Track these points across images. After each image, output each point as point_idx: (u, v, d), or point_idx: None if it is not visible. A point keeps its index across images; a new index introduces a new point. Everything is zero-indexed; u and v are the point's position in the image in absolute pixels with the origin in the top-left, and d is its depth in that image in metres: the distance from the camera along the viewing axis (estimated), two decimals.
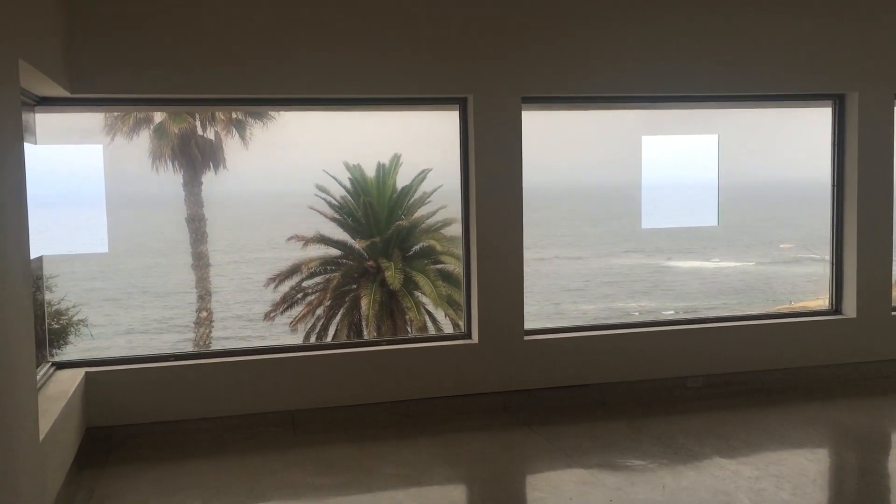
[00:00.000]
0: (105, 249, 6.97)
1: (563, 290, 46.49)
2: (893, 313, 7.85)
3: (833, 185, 7.89)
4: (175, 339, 33.62)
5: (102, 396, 6.40)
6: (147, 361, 6.66)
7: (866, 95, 7.62)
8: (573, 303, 44.97)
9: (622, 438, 6.38)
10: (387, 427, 6.72)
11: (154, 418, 6.49)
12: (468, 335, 7.16)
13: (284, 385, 6.70)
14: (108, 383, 6.43)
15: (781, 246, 49.58)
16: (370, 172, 24.03)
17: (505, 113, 6.91)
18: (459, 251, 7.82)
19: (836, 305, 7.92)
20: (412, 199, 24.29)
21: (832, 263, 7.96)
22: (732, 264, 51.26)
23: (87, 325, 22.37)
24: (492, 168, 6.93)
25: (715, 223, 7.67)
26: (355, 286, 23.28)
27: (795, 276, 50.14)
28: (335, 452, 6.20)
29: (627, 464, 5.87)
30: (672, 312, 42.74)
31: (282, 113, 24.29)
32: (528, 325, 7.17)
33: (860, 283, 7.73)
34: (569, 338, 7.27)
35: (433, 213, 24.28)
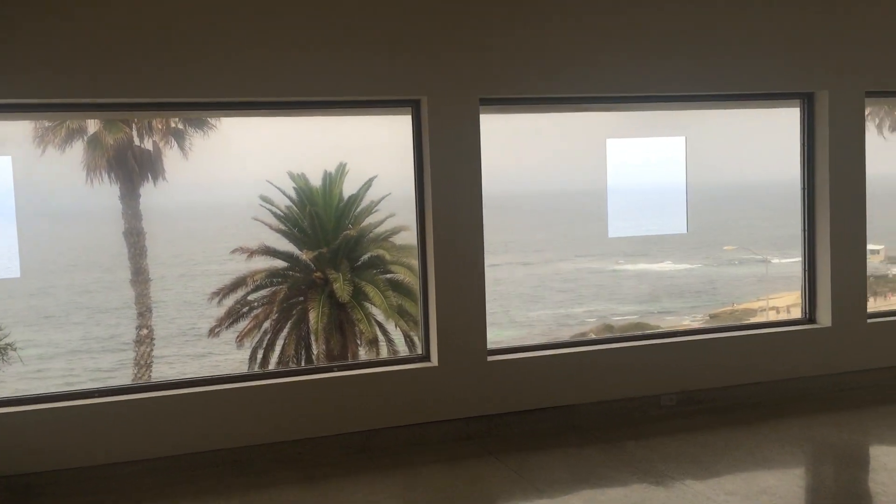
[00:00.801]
0: (16, 268, 6.21)
1: (515, 296, 46.17)
2: (869, 321, 7.49)
3: (803, 188, 7.50)
4: (115, 360, 32.29)
5: (16, 440, 5.65)
6: (67, 399, 5.89)
7: (837, 94, 7.25)
8: (526, 309, 44.70)
9: (598, 467, 5.84)
10: (340, 463, 6.07)
11: (79, 462, 5.75)
12: (427, 357, 6.57)
13: (225, 420, 6.01)
14: (21, 425, 5.67)
15: (725, 248, 49.99)
16: (316, 181, 23.32)
17: (462, 116, 6.35)
18: (410, 260, 7.26)
19: (810, 314, 7.52)
20: (359, 208, 23.61)
21: (804, 270, 7.57)
22: (680, 266, 51.60)
23: (15, 349, 21.15)
24: (449, 175, 6.36)
25: (684, 230, 7.22)
26: (303, 298, 22.52)
27: (738, 277, 50.68)
28: (283, 495, 5.54)
29: (606, 496, 5.34)
30: (620, 318, 42.74)
31: (222, 121, 23.41)
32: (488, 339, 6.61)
33: (835, 291, 7.34)
34: (536, 357, 6.72)
35: (382, 222, 23.66)
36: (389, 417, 6.30)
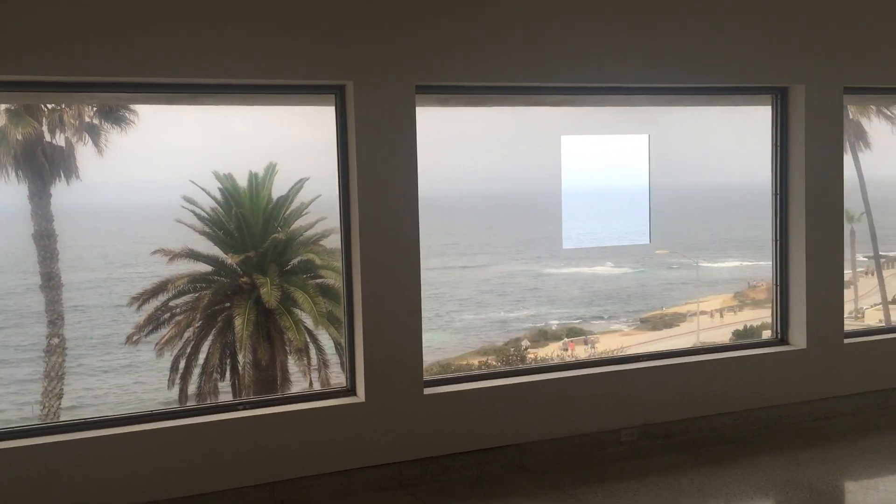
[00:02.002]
0: None
1: (453, 300, 45.30)
2: (847, 341, 6.70)
3: (774, 192, 6.67)
4: (23, 372, 30.13)
5: None
6: None
7: (813, 89, 6.43)
8: (456, 311, 43.84)
9: None
10: None
11: None
12: (352, 391, 5.49)
13: (109, 474, 4.83)
14: None
15: (657, 252, 50.04)
16: (243, 182, 22.01)
17: (394, 104, 5.28)
18: (338, 264, 6.20)
19: (782, 334, 6.68)
20: (289, 211, 22.41)
21: (775, 284, 6.74)
22: (614, 270, 51.48)
23: None
24: (378, 172, 5.29)
25: (646, 239, 6.30)
26: (229, 304, 21.15)
27: (669, 281, 50.80)
28: None
29: None
30: (556, 322, 42.24)
31: (142, 117, 21.85)
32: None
33: (810, 307, 6.51)
34: (479, 389, 5.68)
35: (313, 225, 22.53)
36: (308, 465, 5.20)
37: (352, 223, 5.37)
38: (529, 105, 6.43)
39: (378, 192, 5.31)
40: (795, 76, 6.43)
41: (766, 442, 6.15)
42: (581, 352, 37.96)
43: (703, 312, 41.53)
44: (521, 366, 14.12)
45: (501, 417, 5.65)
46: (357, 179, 5.26)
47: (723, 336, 37.22)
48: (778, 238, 6.66)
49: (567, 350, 38.34)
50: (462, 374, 5.91)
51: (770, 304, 6.76)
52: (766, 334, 7.17)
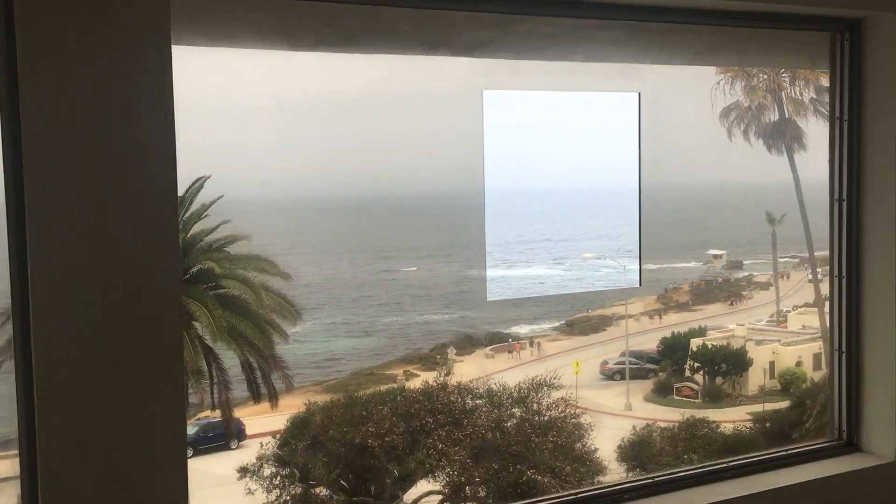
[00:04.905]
0: None
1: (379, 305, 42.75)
2: None
3: (837, 197, 3.85)
4: None
5: None
6: None
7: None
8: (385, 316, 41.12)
9: None
10: None
11: None
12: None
13: None
14: None
15: (583, 255, 48.03)
16: None
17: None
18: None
19: (849, 435, 3.85)
20: (188, 213, 19.13)
21: (837, 348, 3.90)
22: (544, 272, 49.46)
23: None
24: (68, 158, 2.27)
25: (636, 282, 3.41)
26: None
27: (595, 284, 48.90)
28: None
29: None
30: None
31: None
32: None
33: None
34: None
35: (214, 229, 19.33)
36: None
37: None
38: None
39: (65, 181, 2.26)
40: (877, 1, 3.61)
41: None
42: (527, 355, 36.11)
43: (631, 316, 39.53)
44: None
45: None
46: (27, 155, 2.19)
47: (650, 342, 35.17)
48: (842, 272, 3.82)
49: (512, 352, 36.26)
50: None
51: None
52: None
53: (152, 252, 2.33)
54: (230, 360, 19.32)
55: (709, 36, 3.80)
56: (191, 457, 27.22)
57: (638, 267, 49.88)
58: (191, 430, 27.80)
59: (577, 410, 16.32)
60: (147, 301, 2.33)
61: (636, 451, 19.88)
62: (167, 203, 2.38)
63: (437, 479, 15.54)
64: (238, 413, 25.21)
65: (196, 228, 19.83)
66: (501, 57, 3.60)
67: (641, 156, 3.22)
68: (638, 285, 46.13)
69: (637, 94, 3.20)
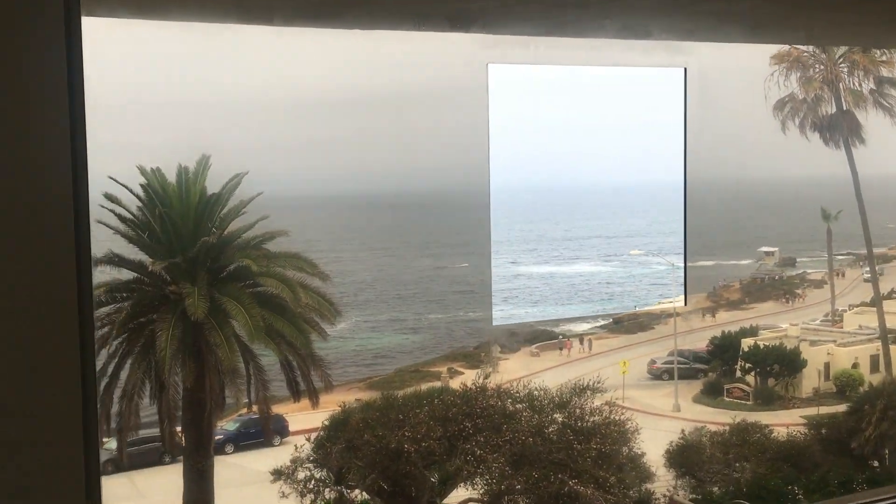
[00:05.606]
0: None
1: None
2: None
3: None
4: None
5: None
6: None
7: None
8: (427, 313, 40.54)
9: None
10: None
11: None
12: None
13: None
14: None
15: (631, 252, 46.99)
16: (172, 177, 18.25)
17: None
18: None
19: None
20: (225, 210, 18.57)
21: None
22: (594, 269, 48.59)
23: None
24: None
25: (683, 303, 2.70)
26: (154, 317, 17.35)
27: (643, 280, 47.85)
28: None
29: None
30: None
31: None
32: None
33: None
34: None
35: (252, 226, 18.77)
36: None
37: None
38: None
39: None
40: None
41: None
42: (576, 352, 35.41)
43: (678, 314, 38.40)
44: None
45: None
46: None
47: (701, 341, 34.01)
48: None
49: (563, 349, 35.65)
50: None
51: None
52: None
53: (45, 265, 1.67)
54: (268, 358, 18.86)
55: (771, 4, 3.03)
56: (231, 453, 26.96)
57: (683, 264, 48.52)
58: (231, 426, 27.57)
59: (622, 417, 15.45)
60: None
61: (685, 456, 18.96)
62: (60, 212, 1.71)
63: (475, 486, 14.89)
64: (281, 410, 24.87)
65: (233, 226, 19.25)
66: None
67: (687, 145, 2.48)
68: (683, 283, 44.94)
69: (683, 69, 2.45)
